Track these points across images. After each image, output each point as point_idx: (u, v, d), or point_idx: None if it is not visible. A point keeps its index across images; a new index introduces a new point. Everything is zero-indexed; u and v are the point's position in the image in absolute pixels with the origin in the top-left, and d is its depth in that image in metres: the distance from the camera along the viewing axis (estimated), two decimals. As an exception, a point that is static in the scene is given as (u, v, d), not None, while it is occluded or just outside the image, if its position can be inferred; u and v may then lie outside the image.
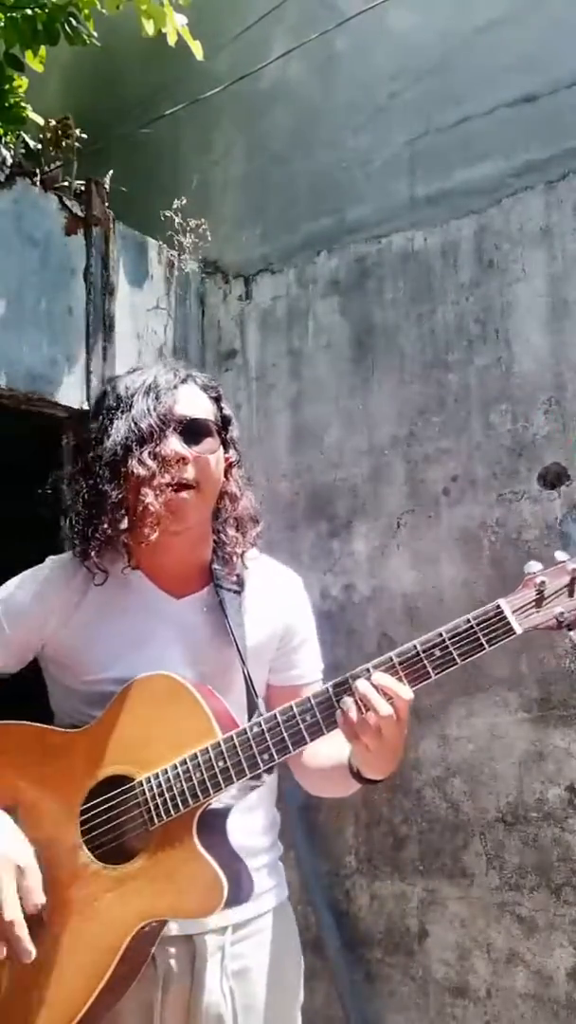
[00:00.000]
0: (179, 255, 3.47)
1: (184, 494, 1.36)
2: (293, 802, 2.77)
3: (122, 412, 1.37)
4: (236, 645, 1.40)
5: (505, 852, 2.61)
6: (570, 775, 2.52)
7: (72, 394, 3.07)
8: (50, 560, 1.49)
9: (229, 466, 1.47)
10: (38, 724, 1.41)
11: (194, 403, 1.41)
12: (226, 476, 1.46)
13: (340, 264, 3.18)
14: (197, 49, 3.01)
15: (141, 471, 1.32)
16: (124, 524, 1.37)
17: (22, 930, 1.18)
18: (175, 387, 1.40)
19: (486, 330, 2.81)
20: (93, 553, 1.37)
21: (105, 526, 1.36)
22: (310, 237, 3.27)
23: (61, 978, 1.26)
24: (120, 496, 1.34)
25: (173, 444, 1.35)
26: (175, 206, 3.40)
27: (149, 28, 2.92)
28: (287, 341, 3.29)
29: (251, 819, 1.45)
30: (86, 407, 3.10)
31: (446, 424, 2.85)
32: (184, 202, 3.41)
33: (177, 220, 3.41)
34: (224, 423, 1.46)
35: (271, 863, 1.50)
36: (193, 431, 1.38)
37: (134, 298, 3.32)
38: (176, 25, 2.94)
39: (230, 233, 3.48)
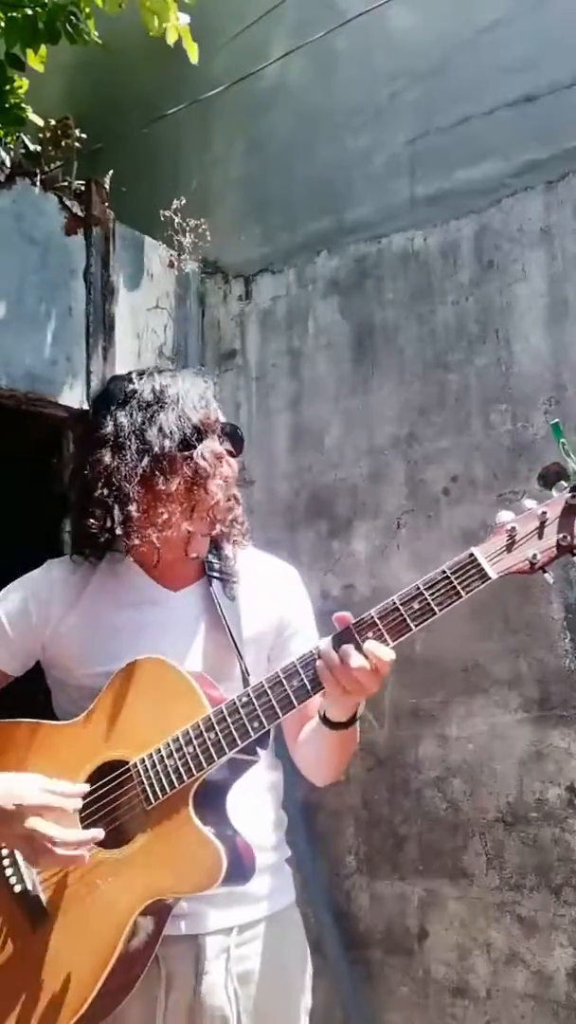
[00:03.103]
0: (179, 255, 3.47)
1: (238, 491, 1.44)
2: (293, 803, 2.76)
3: (166, 407, 1.39)
4: (231, 636, 1.41)
5: (505, 852, 2.60)
6: (570, 775, 2.52)
7: (72, 394, 3.06)
8: (48, 563, 1.51)
9: None
10: (30, 719, 1.41)
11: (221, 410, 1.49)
12: None
13: (340, 264, 3.17)
14: (193, 52, 3.01)
15: (205, 465, 1.37)
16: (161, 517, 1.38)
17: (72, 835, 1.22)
18: (214, 394, 1.47)
19: (486, 330, 2.81)
20: (101, 544, 1.39)
21: (135, 516, 1.35)
22: (310, 237, 3.27)
23: (68, 966, 1.26)
24: (177, 488, 1.36)
25: (222, 444, 1.43)
26: (175, 206, 3.40)
27: (154, 24, 2.92)
28: (287, 341, 3.29)
29: (257, 813, 1.45)
30: (86, 407, 3.09)
31: (446, 424, 2.85)
32: (184, 202, 3.41)
33: (177, 220, 3.41)
34: None
35: (277, 864, 1.49)
36: (224, 436, 1.46)
37: (134, 298, 3.32)
38: (177, 23, 2.93)
39: (230, 233, 3.48)
